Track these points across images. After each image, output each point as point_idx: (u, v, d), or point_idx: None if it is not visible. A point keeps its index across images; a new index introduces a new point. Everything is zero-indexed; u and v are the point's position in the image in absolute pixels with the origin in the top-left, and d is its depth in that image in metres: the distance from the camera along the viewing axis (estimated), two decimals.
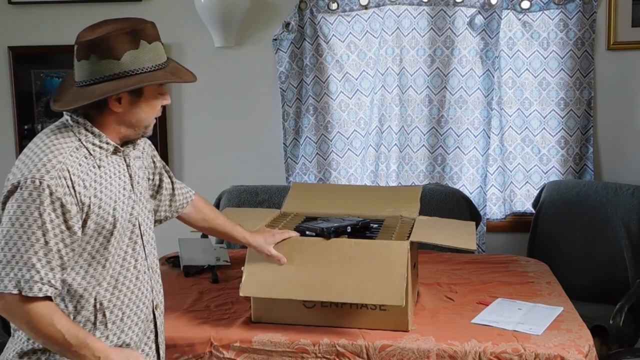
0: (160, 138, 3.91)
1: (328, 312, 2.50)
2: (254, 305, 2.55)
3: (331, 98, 3.87)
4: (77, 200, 1.83)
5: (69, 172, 1.82)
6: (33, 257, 1.78)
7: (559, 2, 3.77)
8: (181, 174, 3.96)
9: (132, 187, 2.00)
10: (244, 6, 3.77)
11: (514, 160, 3.94)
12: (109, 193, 1.91)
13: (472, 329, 2.46)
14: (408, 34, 3.84)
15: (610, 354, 3.08)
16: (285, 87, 3.87)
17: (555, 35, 3.80)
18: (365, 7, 3.82)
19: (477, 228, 3.47)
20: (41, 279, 1.78)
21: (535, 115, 3.88)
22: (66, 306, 1.89)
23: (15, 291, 1.77)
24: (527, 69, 3.85)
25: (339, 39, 3.84)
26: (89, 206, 1.86)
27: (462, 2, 3.79)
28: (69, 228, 1.82)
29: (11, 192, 1.81)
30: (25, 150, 1.89)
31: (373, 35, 3.85)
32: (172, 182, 2.29)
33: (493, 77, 3.81)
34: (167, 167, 2.29)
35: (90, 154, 1.90)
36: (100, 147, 1.92)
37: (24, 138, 3.95)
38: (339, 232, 2.58)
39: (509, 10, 3.80)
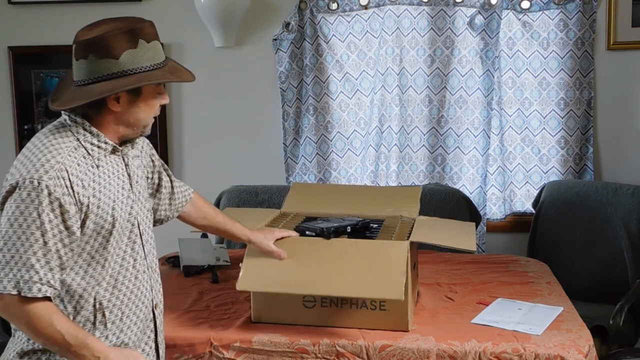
0: (160, 138, 3.91)
1: (328, 312, 2.50)
2: (254, 305, 2.55)
3: (331, 98, 3.87)
4: (76, 200, 1.83)
5: (67, 172, 1.82)
6: (32, 258, 1.78)
7: (559, 2, 3.77)
8: (181, 174, 3.96)
9: (131, 187, 2.00)
10: (244, 6, 3.77)
11: (514, 160, 3.94)
12: (107, 193, 1.91)
13: (472, 329, 2.46)
14: (408, 34, 3.84)
15: (610, 354, 3.08)
16: (285, 87, 3.87)
17: (555, 35, 3.80)
18: (365, 7, 3.82)
19: (477, 228, 3.48)
20: (40, 279, 1.78)
21: (535, 115, 3.88)
22: (65, 307, 1.89)
23: (15, 292, 1.77)
24: (527, 69, 3.85)
25: (339, 39, 3.84)
26: (88, 206, 1.86)
27: (462, 2, 3.79)
28: (67, 228, 1.82)
29: (10, 193, 1.81)
30: (24, 150, 1.89)
31: (373, 35, 3.85)
32: (171, 181, 2.29)
33: (493, 77, 3.81)
34: (165, 165, 2.28)
35: (89, 154, 1.90)
36: (99, 147, 1.92)
37: (24, 138, 3.95)
38: (339, 232, 2.58)
39: (509, 10, 3.80)
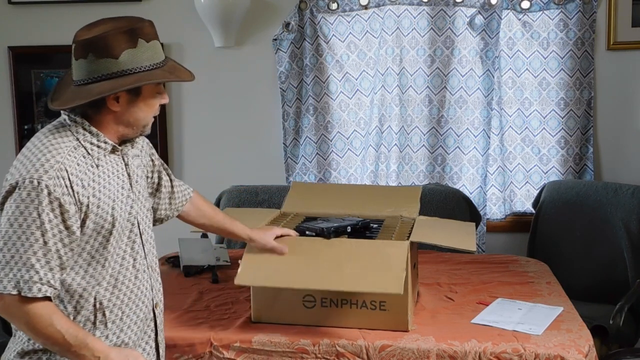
0: (160, 138, 3.91)
1: (328, 312, 2.50)
2: (254, 305, 2.55)
3: (331, 98, 3.87)
4: (76, 200, 1.83)
5: (67, 171, 1.82)
6: (32, 258, 1.78)
7: (559, 2, 3.77)
8: (181, 174, 3.96)
9: (131, 186, 2.00)
10: (244, 6, 3.77)
11: (514, 160, 3.94)
12: (107, 192, 1.91)
13: (472, 329, 2.46)
14: (408, 34, 3.84)
15: (610, 354, 3.08)
16: (285, 87, 3.87)
17: (555, 35, 3.80)
18: (365, 7, 3.82)
19: (477, 228, 3.48)
20: (40, 279, 1.78)
21: (535, 115, 3.88)
22: (65, 307, 1.89)
23: (15, 292, 1.77)
24: (527, 69, 3.85)
25: (339, 39, 3.84)
26: (88, 206, 1.85)
27: (462, 2, 3.79)
28: (67, 228, 1.82)
29: (9, 193, 1.81)
30: (23, 150, 1.89)
31: (373, 35, 3.85)
32: (171, 180, 2.29)
33: (493, 77, 3.81)
34: (165, 165, 2.28)
35: (89, 153, 1.90)
36: (98, 147, 1.92)
37: (24, 138, 3.95)
38: (339, 232, 2.58)
39: (509, 10, 3.80)
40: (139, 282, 2.01)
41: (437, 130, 3.89)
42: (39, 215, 1.78)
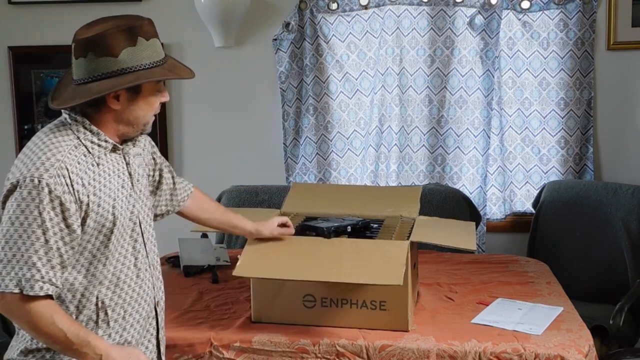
0: (160, 138, 3.91)
1: (328, 312, 2.50)
2: (254, 305, 2.56)
3: (331, 98, 3.87)
4: (76, 199, 1.83)
5: (67, 170, 1.82)
6: (34, 256, 1.78)
7: (559, 2, 3.77)
8: (181, 174, 3.93)
9: (132, 185, 2.00)
10: (244, 6, 3.77)
11: (514, 160, 3.94)
12: (107, 191, 1.91)
13: (472, 329, 2.46)
14: (408, 34, 3.84)
15: (610, 354, 3.08)
16: (285, 87, 3.87)
17: (555, 35, 3.80)
18: (365, 7, 3.82)
19: (477, 228, 3.47)
20: (42, 277, 1.79)
21: (535, 115, 3.88)
22: (67, 306, 1.89)
23: (17, 290, 1.77)
24: (527, 69, 3.85)
25: (339, 39, 3.84)
26: (88, 204, 1.86)
27: (462, 2, 3.79)
28: (68, 226, 1.82)
29: (10, 192, 1.82)
30: (24, 149, 1.89)
31: (373, 35, 3.85)
32: (173, 177, 2.30)
33: (493, 77, 3.81)
34: (167, 162, 2.29)
35: (89, 152, 1.90)
36: (99, 145, 1.92)
37: (24, 138, 3.95)
38: (339, 232, 2.58)
39: (509, 10, 3.80)
40: (141, 281, 2.01)
41: (437, 130, 3.89)
42: (40, 213, 1.78)
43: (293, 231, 2.57)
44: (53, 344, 1.83)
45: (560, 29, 3.79)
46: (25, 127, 3.97)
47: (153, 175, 2.22)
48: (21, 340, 1.92)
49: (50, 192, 1.79)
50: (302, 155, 3.91)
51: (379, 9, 3.82)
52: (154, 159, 2.21)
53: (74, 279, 1.88)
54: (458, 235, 2.76)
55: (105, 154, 1.94)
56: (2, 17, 3.93)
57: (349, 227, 2.61)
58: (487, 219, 3.91)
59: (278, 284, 2.51)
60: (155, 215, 2.26)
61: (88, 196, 1.86)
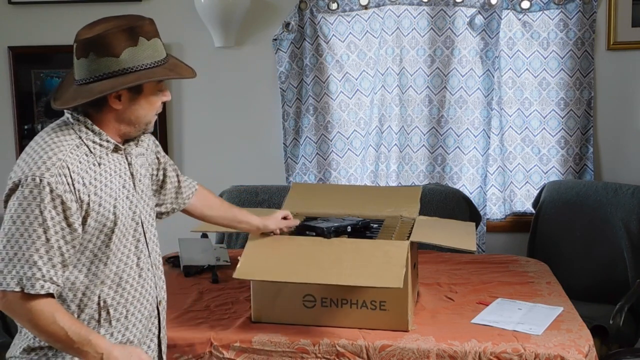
0: (160, 138, 3.91)
1: (328, 312, 2.50)
2: (254, 305, 2.56)
3: (331, 98, 3.87)
4: (77, 198, 1.84)
5: (68, 169, 1.83)
6: (35, 255, 1.79)
7: (559, 2, 3.77)
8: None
9: (134, 185, 2.01)
10: (244, 6, 3.77)
11: (514, 160, 3.94)
12: (108, 191, 1.92)
13: (472, 329, 2.46)
14: (408, 34, 3.84)
15: (610, 354, 3.08)
16: (285, 87, 3.87)
17: (555, 35, 3.80)
18: (365, 7, 3.82)
19: (477, 228, 3.47)
20: (43, 276, 1.79)
21: (535, 115, 3.88)
22: (69, 306, 1.90)
23: (18, 289, 1.78)
24: (527, 69, 3.85)
25: (339, 39, 3.84)
26: (89, 204, 1.87)
27: (462, 2, 3.79)
28: (69, 225, 1.83)
29: (12, 190, 1.83)
30: (27, 148, 1.90)
31: (373, 35, 3.85)
32: (178, 175, 2.31)
33: (493, 77, 3.81)
34: (171, 161, 2.30)
35: (91, 152, 1.91)
36: (101, 145, 1.93)
37: (24, 138, 3.95)
38: (339, 232, 2.58)
39: (509, 10, 3.80)
40: (143, 281, 2.02)
41: (437, 130, 3.89)
42: (41, 212, 1.79)
43: (298, 222, 2.62)
44: (54, 342, 1.84)
45: (560, 29, 3.79)
46: (25, 127, 3.97)
47: (157, 175, 2.23)
48: (24, 338, 1.93)
49: (51, 191, 1.80)
50: (302, 155, 3.91)
51: (379, 9, 3.82)
52: (157, 158, 2.22)
53: (75, 278, 1.89)
54: (458, 235, 2.76)
55: (107, 154, 1.94)
56: (2, 17, 3.93)
57: (349, 227, 2.61)
58: (487, 219, 3.91)
59: (278, 284, 2.51)
60: (161, 213, 2.28)
61: (89, 195, 1.87)
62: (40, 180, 1.80)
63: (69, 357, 1.90)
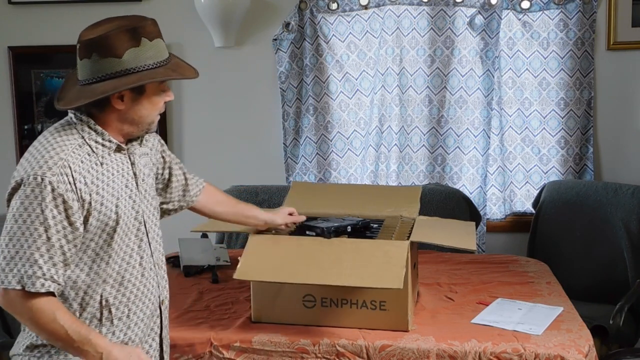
0: (161, 138, 3.90)
1: (328, 312, 2.50)
2: (254, 305, 2.56)
3: (331, 98, 3.87)
4: (78, 197, 1.85)
5: (70, 168, 1.84)
6: (36, 253, 1.80)
7: (559, 2, 3.77)
8: None
9: (137, 185, 2.02)
10: (244, 6, 3.77)
11: (514, 160, 3.94)
12: (110, 190, 1.93)
13: (472, 329, 2.46)
14: (408, 34, 3.84)
15: (610, 354, 3.08)
16: (285, 87, 3.87)
17: (555, 35, 3.80)
18: (365, 7, 3.82)
19: (477, 228, 3.47)
20: (43, 274, 1.81)
21: (535, 115, 3.88)
22: (71, 304, 1.91)
23: (19, 287, 1.80)
24: (527, 69, 3.85)
25: (339, 39, 3.84)
26: (90, 203, 1.88)
27: (462, 2, 3.79)
28: (71, 224, 1.84)
29: (15, 189, 1.84)
30: (30, 148, 1.92)
31: (373, 35, 3.85)
32: (184, 173, 2.33)
33: (493, 77, 3.81)
34: (177, 160, 2.32)
35: (93, 152, 1.92)
36: (103, 145, 1.94)
37: (24, 138, 3.95)
38: (339, 232, 2.58)
39: (509, 10, 3.80)
40: (145, 280, 2.03)
41: (437, 130, 3.89)
42: (42, 211, 1.80)
43: (304, 218, 2.63)
44: (55, 340, 1.85)
45: (560, 29, 3.79)
46: (25, 127, 3.97)
47: (163, 174, 2.25)
48: (27, 336, 1.94)
49: (53, 190, 1.81)
50: (302, 155, 3.91)
51: (379, 9, 3.82)
52: (163, 157, 2.24)
53: (76, 277, 1.90)
54: (458, 235, 2.76)
55: (109, 154, 1.96)
56: (2, 17, 3.93)
57: (349, 227, 2.61)
58: (487, 219, 3.91)
59: (278, 284, 2.51)
60: (169, 210, 2.30)
61: (90, 195, 1.88)
62: (42, 179, 1.81)
63: (71, 355, 1.90)
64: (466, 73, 3.83)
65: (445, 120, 3.88)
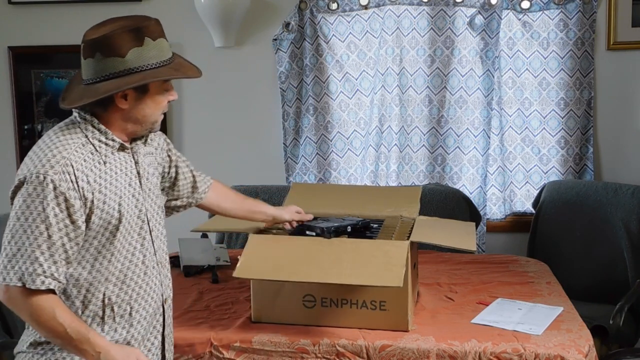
0: None
1: (328, 312, 2.50)
2: (254, 305, 2.56)
3: (331, 98, 3.87)
4: (81, 195, 1.87)
5: (72, 167, 1.86)
6: (36, 251, 1.82)
7: (559, 2, 3.77)
8: None
9: (140, 184, 2.03)
10: (244, 6, 3.77)
11: (514, 160, 3.94)
12: (113, 189, 1.94)
13: (472, 329, 2.46)
14: (408, 34, 3.84)
15: (610, 354, 3.08)
16: (285, 87, 3.87)
17: (555, 35, 3.80)
18: (365, 7, 3.82)
19: (477, 228, 3.47)
20: (44, 272, 1.82)
21: (535, 115, 3.88)
22: (73, 302, 1.92)
23: (19, 284, 1.82)
24: (527, 69, 3.85)
25: (339, 39, 3.84)
26: (92, 201, 1.89)
27: (462, 2, 3.79)
28: (73, 222, 1.86)
29: (18, 188, 1.86)
30: (34, 146, 1.94)
31: (373, 35, 3.85)
32: (192, 171, 2.36)
33: (493, 77, 3.81)
34: (184, 158, 2.34)
35: (97, 150, 1.94)
36: (106, 144, 1.96)
37: (24, 138, 3.96)
38: (339, 232, 2.58)
39: (509, 10, 3.80)
40: (148, 278, 2.04)
41: (437, 130, 3.89)
42: (44, 209, 1.82)
43: (311, 216, 2.64)
44: (54, 338, 1.86)
45: (560, 29, 3.79)
46: (25, 127, 3.97)
47: (169, 172, 2.27)
48: (31, 333, 1.96)
49: (55, 188, 1.83)
50: (302, 155, 3.91)
51: (379, 9, 3.82)
52: (169, 156, 2.26)
53: (79, 275, 1.91)
54: (458, 235, 2.76)
55: (113, 153, 1.97)
56: (2, 17, 3.93)
57: (349, 227, 2.61)
58: (487, 219, 3.91)
59: (278, 284, 2.51)
60: (177, 207, 2.33)
61: (93, 193, 1.89)
62: (44, 178, 1.82)
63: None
64: (466, 73, 3.83)
65: (445, 120, 3.88)
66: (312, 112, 3.87)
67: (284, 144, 3.92)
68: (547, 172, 3.90)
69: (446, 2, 3.79)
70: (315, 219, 2.74)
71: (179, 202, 2.33)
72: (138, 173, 2.03)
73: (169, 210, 2.32)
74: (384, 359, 2.36)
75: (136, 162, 2.03)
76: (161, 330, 2.12)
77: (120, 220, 1.94)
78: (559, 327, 2.47)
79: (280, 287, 2.52)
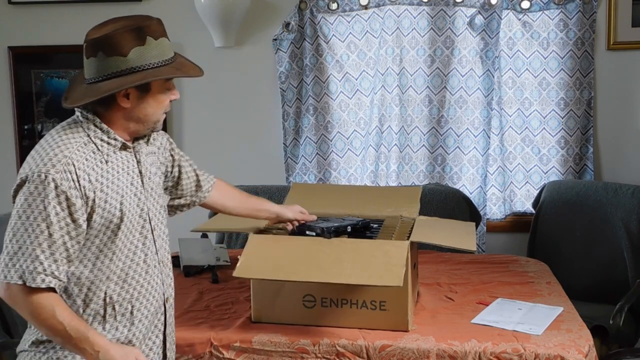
0: None
1: (328, 312, 2.50)
2: (254, 305, 2.56)
3: (331, 98, 3.87)
4: (82, 194, 1.87)
5: (74, 166, 1.87)
6: (37, 249, 1.83)
7: (559, 2, 3.77)
8: None
9: (142, 183, 2.04)
10: (244, 6, 3.77)
11: (514, 160, 3.94)
12: (115, 188, 1.95)
13: (472, 329, 2.46)
14: (408, 34, 3.84)
15: (610, 354, 3.08)
16: (285, 87, 3.87)
17: (555, 35, 3.80)
18: (365, 7, 3.82)
19: (477, 228, 3.47)
20: (44, 270, 1.83)
21: (535, 115, 3.88)
22: (74, 300, 1.93)
23: (20, 282, 1.82)
24: (527, 69, 3.85)
25: (339, 39, 3.84)
26: (94, 200, 1.90)
27: (462, 2, 3.79)
28: (74, 221, 1.86)
29: (20, 186, 1.87)
30: (37, 146, 1.94)
31: (373, 35, 3.85)
32: (195, 170, 2.36)
33: (493, 77, 3.81)
34: (187, 157, 2.34)
35: (98, 149, 1.94)
36: (108, 143, 1.96)
37: (24, 138, 3.96)
38: (339, 232, 2.58)
39: (509, 10, 3.80)
40: (150, 277, 2.04)
41: (437, 130, 3.89)
42: (45, 208, 1.83)
43: (315, 217, 2.65)
44: (53, 336, 1.87)
45: (560, 29, 3.79)
46: (25, 127, 3.97)
47: (172, 172, 2.27)
48: (33, 332, 1.97)
49: (56, 187, 1.83)
50: (302, 155, 3.91)
51: (379, 9, 3.82)
52: (172, 155, 2.26)
53: (80, 273, 1.92)
54: (458, 235, 2.76)
55: (115, 152, 1.97)
56: (2, 17, 3.93)
57: (349, 227, 2.61)
58: (487, 219, 3.91)
59: (278, 284, 2.51)
60: (181, 206, 2.34)
61: (94, 192, 1.90)
62: (46, 177, 1.83)
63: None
64: (466, 73, 3.83)
65: (445, 120, 3.88)
66: (312, 112, 3.87)
67: (284, 144, 3.92)
68: (547, 172, 3.90)
69: (446, 2, 3.79)
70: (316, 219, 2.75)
71: (182, 201, 2.34)
72: (140, 172, 2.03)
73: (173, 209, 2.33)
74: (384, 359, 2.36)
75: (138, 162, 2.04)
76: (162, 329, 2.12)
77: (121, 219, 1.95)
78: (559, 327, 2.47)
79: (280, 287, 2.52)
